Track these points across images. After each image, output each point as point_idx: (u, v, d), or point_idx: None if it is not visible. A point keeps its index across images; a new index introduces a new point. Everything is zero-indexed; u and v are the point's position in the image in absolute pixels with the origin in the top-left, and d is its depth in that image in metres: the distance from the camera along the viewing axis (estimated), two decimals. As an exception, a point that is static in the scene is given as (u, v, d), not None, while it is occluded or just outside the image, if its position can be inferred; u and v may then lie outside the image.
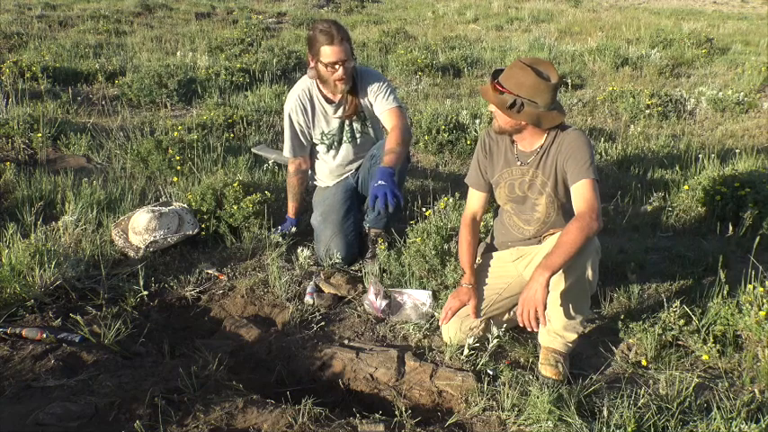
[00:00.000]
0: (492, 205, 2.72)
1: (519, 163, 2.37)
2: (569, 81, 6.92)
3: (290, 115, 3.07)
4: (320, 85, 3.02)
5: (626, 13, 13.00)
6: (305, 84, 3.05)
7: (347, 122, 3.09)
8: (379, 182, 2.59)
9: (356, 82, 2.99)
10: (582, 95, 6.59)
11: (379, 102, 2.99)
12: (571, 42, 9.40)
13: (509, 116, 2.22)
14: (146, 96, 6.01)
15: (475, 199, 2.54)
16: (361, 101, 3.05)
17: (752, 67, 7.29)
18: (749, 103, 6.02)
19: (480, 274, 2.58)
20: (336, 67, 2.82)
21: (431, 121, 4.85)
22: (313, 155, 3.25)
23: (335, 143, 3.14)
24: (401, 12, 13.57)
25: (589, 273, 2.19)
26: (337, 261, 2.98)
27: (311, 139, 3.15)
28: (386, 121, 2.99)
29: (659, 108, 5.76)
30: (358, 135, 3.13)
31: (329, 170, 3.22)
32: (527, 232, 2.44)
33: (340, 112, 3.05)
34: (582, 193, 2.20)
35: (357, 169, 3.19)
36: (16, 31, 8.78)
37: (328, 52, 2.79)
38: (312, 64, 2.90)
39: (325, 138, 3.12)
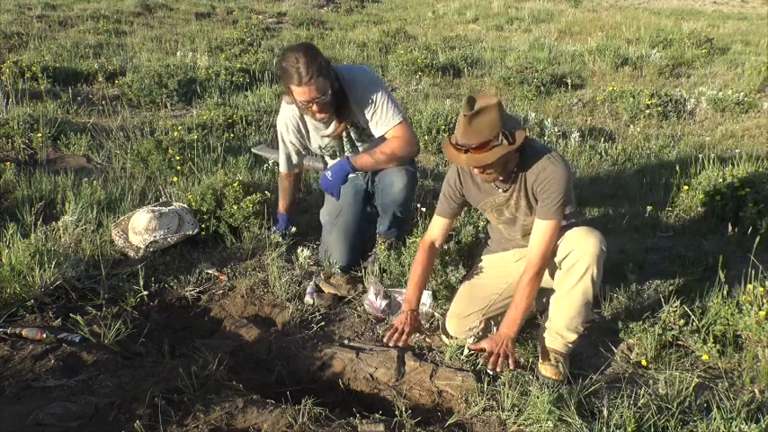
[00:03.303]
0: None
1: (500, 190, 2.35)
2: (569, 81, 6.92)
3: (281, 134, 2.97)
4: None
5: (626, 13, 12.99)
6: (287, 100, 2.84)
7: (344, 135, 2.95)
8: (330, 177, 2.77)
9: (342, 99, 2.74)
10: (582, 95, 6.59)
11: (379, 122, 2.78)
12: (571, 42, 9.40)
13: (512, 150, 2.13)
14: (146, 96, 6.01)
15: (438, 225, 2.51)
16: (353, 117, 2.84)
17: (752, 67, 7.29)
18: (749, 103, 6.02)
19: (480, 274, 2.59)
20: (310, 104, 2.63)
21: (431, 121, 4.85)
22: None
23: (337, 153, 3.03)
24: (401, 12, 13.57)
25: (594, 271, 2.19)
26: (336, 268, 2.97)
27: (308, 151, 3.07)
28: (388, 137, 2.83)
29: (659, 108, 5.77)
30: (359, 144, 2.97)
31: None
32: (526, 240, 2.43)
33: (330, 130, 2.88)
34: (541, 233, 2.24)
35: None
36: (16, 31, 8.78)
37: (298, 92, 2.59)
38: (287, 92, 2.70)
39: (324, 151, 3.03)
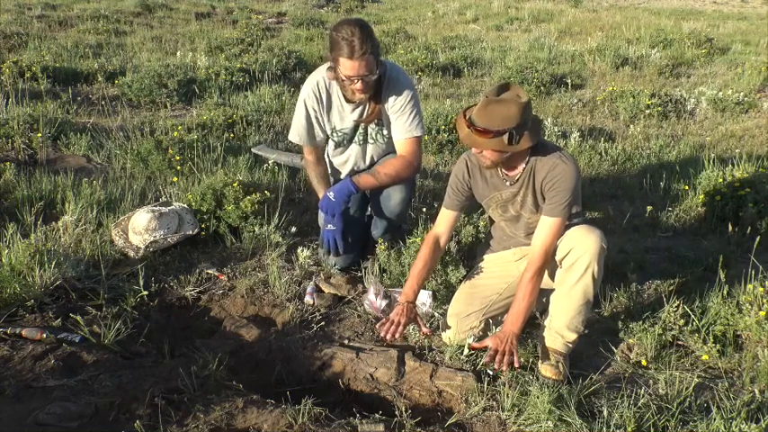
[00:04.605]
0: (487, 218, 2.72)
1: (508, 184, 2.36)
2: (569, 81, 6.92)
3: (304, 101, 2.79)
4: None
5: (626, 13, 13.00)
6: (325, 74, 2.72)
7: (362, 126, 2.85)
8: (329, 226, 2.73)
9: (382, 87, 2.70)
10: (582, 95, 6.59)
11: (400, 125, 2.73)
12: (571, 42, 9.40)
13: (509, 150, 2.16)
14: (146, 96, 6.01)
15: (444, 218, 2.50)
16: (383, 108, 2.76)
17: (752, 67, 7.30)
18: (749, 103, 6.02)
19: (481, 274, 2.59)
20: (354, 80, 2.55)
21: (431, 121, 4.85)
22: None
23: (345, 141, 2.92)
24: (401, 12, 13.57)
25: (595, 269, 2.19)
26: (336, 268, 2.97)
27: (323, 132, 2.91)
28: (398, 147, 2.77)
29: (659, 108, 5.77)
30: (371, 140, 2.89)
31: (331, 166, 3.08)
32: (528, 239, 2.43)
33: (357, 114, 2.80)
34: (546, 230, 2.25)
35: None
36: (16, 31, 8.78)
37: (347, 66, 2.49)
38: (331, 64, 2.61)
39: (335, 134, 2.87)
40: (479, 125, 2.13)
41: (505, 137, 2.11)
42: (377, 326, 2.41)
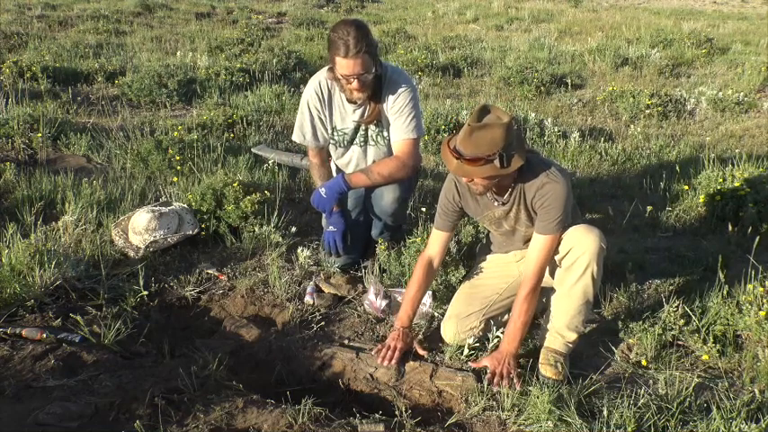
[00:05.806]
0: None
1: (497, 204, 2.34)
2: (569, 81, 6.92)
3: (307, 102, 2.83)
4: None
5: (626, 13, 13.00)
6: (326, 75, 2.76)
7: (362, 127, 2.86)
8: (330, 228, 2.79)
9: (381, 88, 2.73)
10: (582, 95, 6.59)
11: (397, 126, 2.74)
12: (571, 42, 9.40)
13: (503, 174, 2.12)
14: (146, 96, 6.01)
15: (437, 240, 2.47)
16: (383, 109, 2.78)
17: (752, 67, 7.30)
18: (749, 103, 6.02)
19: (480, 274, 2.58)
20: (350, 79, 2.58)
21: (431, 121, 4.86)
22: None
23: (345, 142, 2.93)
24: (401, 12, 13.57)
25: (594, 269, 2.19)
26: (336, 267, 2.98)
27: (324, 131, 2.92)
28: (394, 147, 2.79)
29: (659, 108, 5.77)
30: (372, 142, 2.89)
31: (336, 168, 3.09)
32: (527, 245, 2.42)
33: (358, 114, 2.81)
34: (539, 247, 2.24)
35: None
36: (16, 31, 8.79)
37: (342, 65, 2.53)
38: (330, 64, 2.65)
39: (336, 134, 2.89)
40: (468, 155, 2.09)
41: (497, 161, 2.07)
42: (373, 352, 2.38)
